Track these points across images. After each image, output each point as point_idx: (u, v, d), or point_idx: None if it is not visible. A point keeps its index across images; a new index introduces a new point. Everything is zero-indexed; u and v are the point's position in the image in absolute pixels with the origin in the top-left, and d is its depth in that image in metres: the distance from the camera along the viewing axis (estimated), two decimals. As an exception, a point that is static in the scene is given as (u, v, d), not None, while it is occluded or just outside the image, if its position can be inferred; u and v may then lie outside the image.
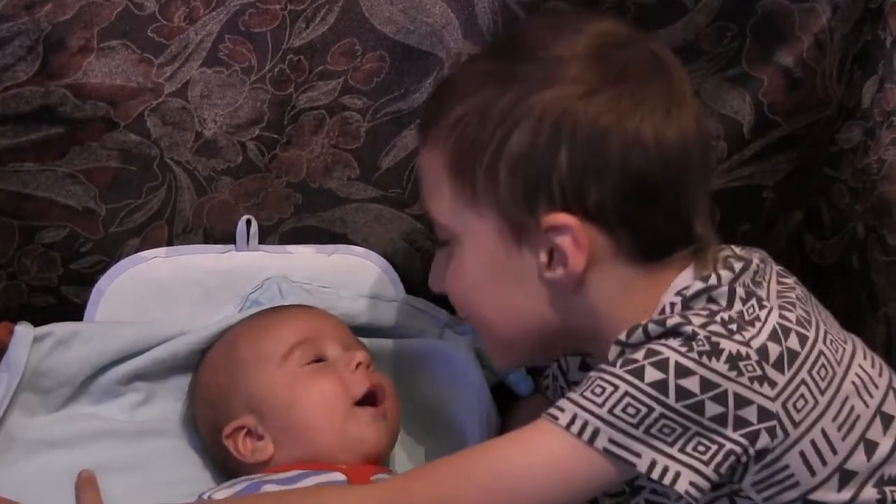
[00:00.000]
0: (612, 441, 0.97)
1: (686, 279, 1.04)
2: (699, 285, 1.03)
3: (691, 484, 0.96)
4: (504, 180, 1.03)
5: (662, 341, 0.98)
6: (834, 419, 1.00)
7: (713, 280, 1.03)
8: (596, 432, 0.97)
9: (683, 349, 0.97)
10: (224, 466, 1.24)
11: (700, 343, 0.97)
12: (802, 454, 0.99)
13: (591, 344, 1.10)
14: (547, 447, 0.99)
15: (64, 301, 1.36)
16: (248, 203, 1.36)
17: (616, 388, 0.97)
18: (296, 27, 1.25)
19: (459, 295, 1.12)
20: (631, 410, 0.96)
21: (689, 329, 0.97)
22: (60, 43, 1.18)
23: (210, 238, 1.37)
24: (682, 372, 0.96)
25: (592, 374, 1.00)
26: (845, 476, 1.01)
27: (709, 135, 1.08)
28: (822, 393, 1.00)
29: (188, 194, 1.33)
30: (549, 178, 1.02)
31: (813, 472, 1.00)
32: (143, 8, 1.19)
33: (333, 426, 1.18)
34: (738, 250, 1.09)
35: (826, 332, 1.04)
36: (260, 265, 1.37)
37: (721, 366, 0.96)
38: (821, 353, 1.01)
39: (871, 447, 1.02)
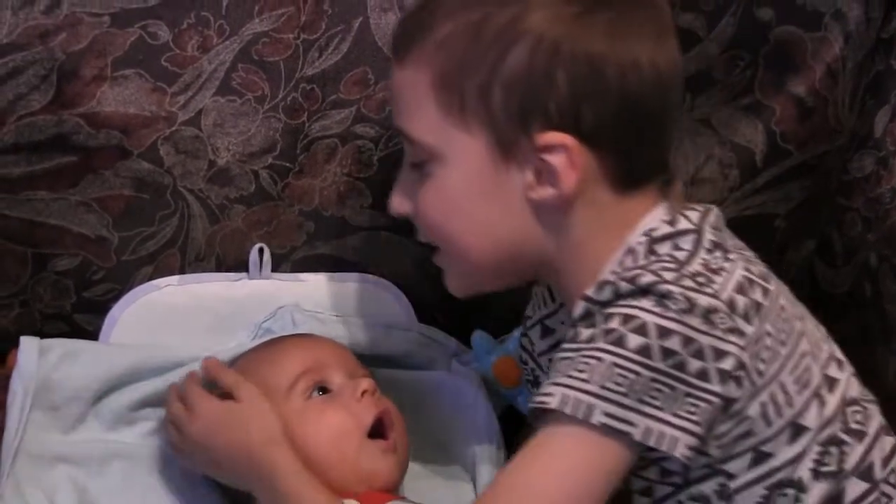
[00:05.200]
0: (607, 414, 0.96)
1: (653, 221, 1.05)
2: (666, 228, 1.04)
3: (687, 447, 0.97)
4: (498, 99, 1.02)
5: (634, 303, 0.98)
6: (791, 372, 1.02)
7: (681, 224, 1.04)
8: (591, 409, 0.96)
9: (658, 309, 0.97)
10: (241, 497, 1.23)
11: (676, 301, 0.97)
12: (763, 405, 1.00)
13: (555, 276, 1.10)
14: (556, 448, 0.98)
15: (77, 329, 1.36)
16: (260, 231, 1.36)
17: (601, 360, 0.97)
18: (308, 56, 1.25)
19: (435, 216, 1.09)
20: (619, 379, 0.96)
21: (663, 288, 0.97)
22: (74, 72, 1.19)
23: (222, 266, 1.37)
24: (664, 332, 0.96)
25: (571, 353, 0.99)
26: (796, 430, 1.02)
27: (682, 68, 1.10)
28: (783, 345, 1.02)
29: (201, 222, 1.33)
30: (546, 99, 1.01)
31: (769, 423, 1.01)
32: (157, 37, 1.20)
33: (346, 459, 1.17)
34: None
35: (785, 290, 1.06)
36: (272, 293, 1.37)
37: (696, 320, 0.97)
38: (782, 307, 1.04)
39: (822, 404, 1.03)
